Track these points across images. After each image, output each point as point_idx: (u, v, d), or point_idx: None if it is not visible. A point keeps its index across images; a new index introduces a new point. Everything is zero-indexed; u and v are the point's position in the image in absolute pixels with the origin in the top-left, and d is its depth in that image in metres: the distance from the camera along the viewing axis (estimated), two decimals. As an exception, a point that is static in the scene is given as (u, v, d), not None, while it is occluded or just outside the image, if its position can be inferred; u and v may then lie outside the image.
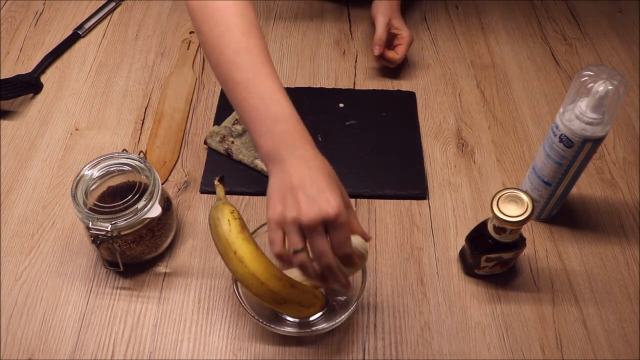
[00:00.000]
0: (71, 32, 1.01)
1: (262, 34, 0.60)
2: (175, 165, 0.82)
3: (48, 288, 0.68)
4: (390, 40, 0.94)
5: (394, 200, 0.78)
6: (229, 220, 0.58)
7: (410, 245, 0.73)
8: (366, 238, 0.57)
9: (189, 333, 0.65)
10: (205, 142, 0.83)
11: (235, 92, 0.57)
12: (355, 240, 0.56)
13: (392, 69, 0.96)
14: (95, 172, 0.65)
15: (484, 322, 0.66)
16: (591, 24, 1.07)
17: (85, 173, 0.65)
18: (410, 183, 0.79)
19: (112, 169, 0.66)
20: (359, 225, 0.56)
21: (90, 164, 0.66)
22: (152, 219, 0.65)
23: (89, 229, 0.62)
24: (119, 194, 0.65)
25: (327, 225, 0.51)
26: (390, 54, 0.92)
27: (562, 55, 1.00)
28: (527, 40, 1.03)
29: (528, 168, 0.76)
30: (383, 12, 0.92)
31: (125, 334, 0.65)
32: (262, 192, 0.78)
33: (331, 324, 0.60)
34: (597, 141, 0.62)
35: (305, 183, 0.51)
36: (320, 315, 0.65)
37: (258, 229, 0.66)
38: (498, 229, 0.62)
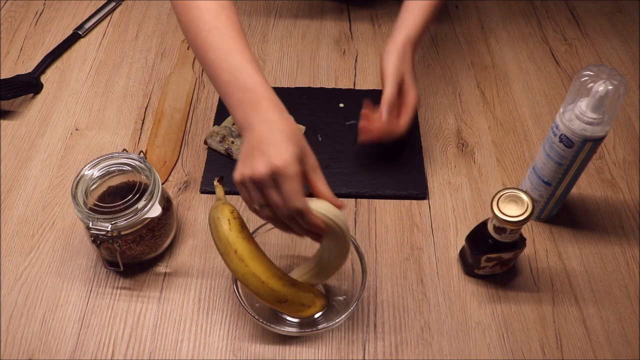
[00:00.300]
0: (71, 32, 1.01)
1: (236, 14, 0.62)
2: (175, 165, 0.82)
3: (48, 288, 0.68)
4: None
5: (394, 200, 0.78)
6: (229, 220, 0.58)
7: (410, 245, 0.73)
8: (337, 204, 0.56)
9: (189, 333, 0.65)
10: (205, 142, 0.83)
11: (210, 70, 0.60)
12: (324, 205, 0.55)
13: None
14: (95, 172, 0.65)
15: (484, 322, 0.66)
16: (591, 24, 1.07)
17: (85, 173, 0.65)
18: (410, 183, 0.79)
19: (112, 169, 0.66)
20: (327, 190, 0.57)
21: (90, 164, 0.66)
22: (152, 219, 0.65)
23: (89, 229, 0.62)
24: (119, 194, 0.65)
25: (276, 179, 0.52)
26: (394, 122, 0.74)
27: (562, 55, 1.00)
28: (527, 40, 1.03)
29: (528, 168, 0.76)
30: (396, 65, 0.73)
31: (125, 334, 0.65)
32: (262, 192, 0.78)
33: (331, 324, 0.61)
34: (597, 141, 0.62)
35: (263, 142, 0.54)
36: (320, 315, 0.65)
37: (258, 228, 0.66)
38: (498, 229, 0.62)
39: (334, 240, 0.58)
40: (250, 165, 0.54)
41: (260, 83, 0.58)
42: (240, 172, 0.55)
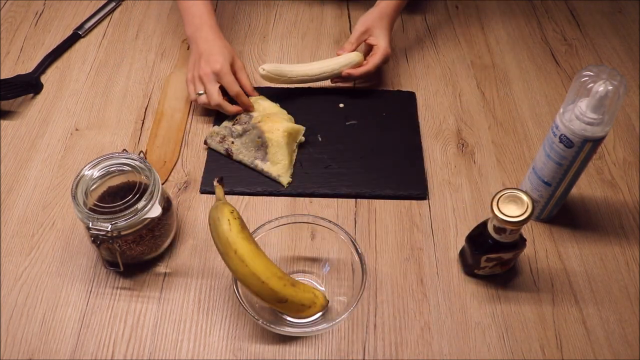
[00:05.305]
0: (71, 32, 1.01)
1: None
2: (175, 165, 0.82)
3: (48, 288, 0.68)
4: (367, 53, 0.91)
5: (394, 200, 0.78)
6: (229, 220, 0.58)
7: (410, 245, 0.73)
8: (250, 93, 0.86)
9: (189, 333, 0.65)
10: (205, 142, 0.83)
11: (179, 5, 0.90)
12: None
13: (393, 69, 0.96)
14: (95, 172, 0.65)
15: (484, 322, 0.67)
16: (591, 24, 1.07)
17: (85, 173, 0.65)
18: (410, 183, 0.79)
19: (112, 169, 0.66)
20: (247, 82, 0.86)
21: (90, 164, 0.66)
22: (152, 219, 0.65)
23: (89, 229, 0.62)
24: (119, 194, 0.65)
25: (217, 76, 0.82)
26: (352, 70, 0.88)
27: (562, 56, 1.00)
28: (527, 40, 1.03)
29: (528, 168, 0.76)
30: (364, 20, 0.89)
31: (125, 334, 0.65)
32: (262, 192, 0.78)
33: (331, 324, 0.61)
34: (597, 141, 0.62)
35: (204, 53, 0.83)
36: (320, 315, 0.65)
37: (258, 228, 0.66)
38: (498, 229, 0.62)
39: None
40: (198, 68, 0.83)
41: (205, 12, 0.86)
42: (192, 73, 0.84)
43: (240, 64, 0.86)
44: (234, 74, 0.84)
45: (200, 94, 0.83)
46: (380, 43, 0.88)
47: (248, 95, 0.85)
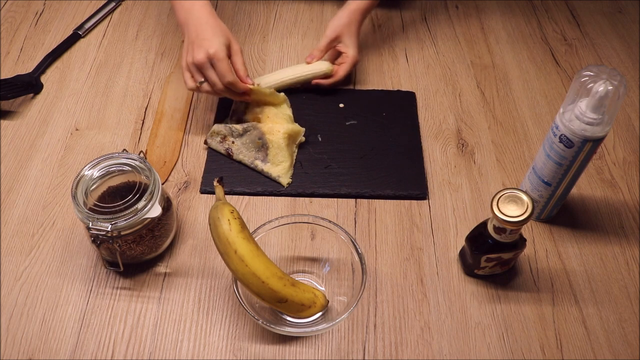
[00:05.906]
0: (71, 32, 1.01)
1: None
2: (175, 165, 0.82)
3: (48, 288, 0.68)
4: (336, 58, 0.93)
5: (394, 200, 0.78)
6: (229, 220, 0.58)
7: (410, 245, 0.73)
8: (245, 82, 0.79)
9: (189, 333, 0.65)
10: (205, 142, 0.83)
11: None
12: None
13: (393, 69, 0.96)
14: (96, 172, 0.65)
15: (484, 322, 0.67)
16: (591, 24, 1.07)
17: (86, 173, 0.65)
18: (410, 183, 0.79)
19: (112, 169, 0.66)
20: (241, 67, 0.79)
21: (91, 164, 0.66)
22: (152, 219, 0.65)
23: (89, 229, 0.62)
24: (119, 194, 0.65)
25: (212, 62, 0.75)
26: (322, 80, 0.90)
27: (562, 56, 1.00)
28: (527, 40, 1.03)
29: (528, 168, 0.76)
30: (334, 27, 0.89)
31: (125, 334, 0.65)
32: (262, 192, 0.78)
33: (331, 324, 0.61)
34: (597, 141, 0.62)
35: (197, 37, 0.76)
36: (320, 315, 0.65)
37: (258, 228, 0.66)
38: (498, 229, 0.62)
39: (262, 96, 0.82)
40: (192, 54, 0.75)
41: None
42: (186, 60, 0.77)
43: (236, 47, 0.79)
44: (230, 57, 0.78)
45: (201, 83, 0.77)
46: (350, 52, 0.90)
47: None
